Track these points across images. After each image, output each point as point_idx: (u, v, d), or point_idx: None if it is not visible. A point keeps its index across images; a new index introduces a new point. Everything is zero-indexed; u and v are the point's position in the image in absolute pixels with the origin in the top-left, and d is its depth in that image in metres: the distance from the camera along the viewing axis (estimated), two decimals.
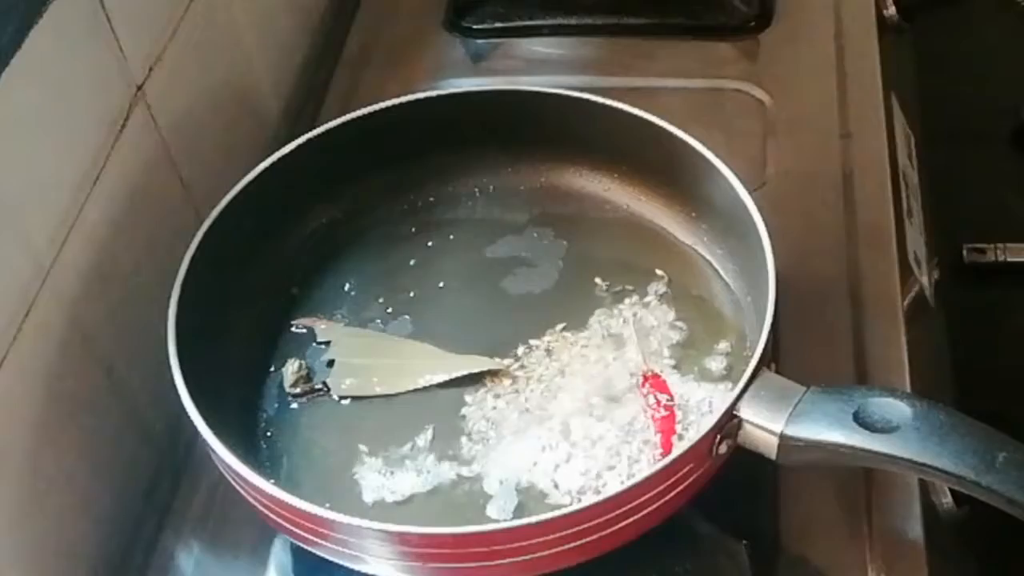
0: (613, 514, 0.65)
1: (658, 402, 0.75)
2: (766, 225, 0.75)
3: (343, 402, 0.78)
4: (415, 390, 0.78)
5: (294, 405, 0.79)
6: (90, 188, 0.76)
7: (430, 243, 0.87)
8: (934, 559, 0.74)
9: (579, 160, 0.88)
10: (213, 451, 0.69)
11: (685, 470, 0.67)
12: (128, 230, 0.80)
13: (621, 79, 1.02)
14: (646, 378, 0.76)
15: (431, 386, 0.78)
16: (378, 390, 0.79)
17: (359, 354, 0.81)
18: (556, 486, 0.72)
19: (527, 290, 0.84)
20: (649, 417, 0.75)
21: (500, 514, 0.72)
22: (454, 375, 0.78)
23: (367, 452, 0.75)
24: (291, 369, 0.79)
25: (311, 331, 0.82)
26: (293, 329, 0.83)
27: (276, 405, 0.79)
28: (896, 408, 0.66)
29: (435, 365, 0.79)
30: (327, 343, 0.81)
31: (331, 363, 0.80)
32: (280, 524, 0.70)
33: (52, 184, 0.74)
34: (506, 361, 0.79)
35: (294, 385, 0.79)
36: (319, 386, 0.79)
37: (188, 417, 0.69)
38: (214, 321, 0.78)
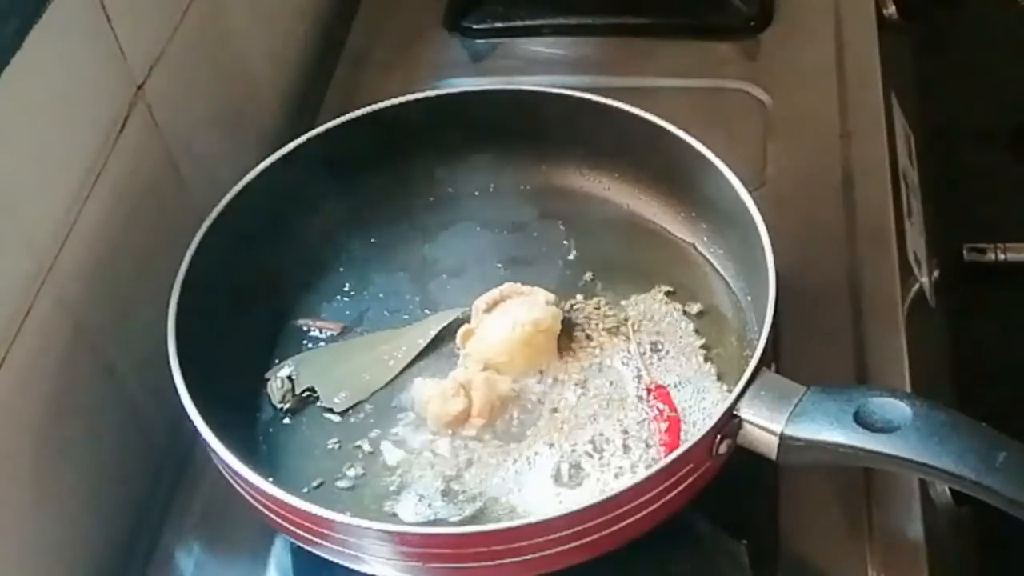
0: (613, 514, 0.65)
1: (660, 412, 0.75)
2: (766, 225, 0.75)
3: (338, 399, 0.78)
4: (409, 382, 0.79)
5: (286, 421, 0.78)
6: (90, 188, 0.76)
7: (430, 243, 0.87)
8: (934, 559, 0.74)
9: (579, 160, 0.88)
10: (213, 451, 0.69)
11: (685, 470, 0.67)
12: (128, 230, 0.80)
13: (621, 79, 1.02)
14: (649, 390, 0.76)
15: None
16: (371, 388, 0.79)
17: (333, 366, 0.80)
18: (557, 486, 0.72)
19: None
20: (652, 419, 0.75)
21: (500, 514, 0.72)
22: (428, 340, 0.79)
23: (366, 450, 0.75)
24: (274, 387, 0.79)
25: (311, 331, 0.82)
26: (293, 329, 0.83)
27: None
28: (896, 408, 0.66)
29: (404, 342, 0.80)
30: (291, 377, 0.80)
31: (312, 390, 0.79)
32: (280, 524, 0.70)
33: (52, 184, 0.74)
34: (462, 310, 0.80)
35: (282, 401, 0.78)
36: (306, 394, 0.79)
37: (188, 417, 0.69)
38: (214, 321, 0.78)
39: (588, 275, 0.83)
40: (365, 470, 0.75)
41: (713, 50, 1.06)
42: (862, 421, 0.66)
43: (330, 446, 0.76)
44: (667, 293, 0.82)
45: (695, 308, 0.81)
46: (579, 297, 0.82)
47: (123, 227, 0.80)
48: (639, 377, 0.77)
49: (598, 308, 0.82)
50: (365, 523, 0.66)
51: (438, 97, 0.87)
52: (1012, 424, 0.65)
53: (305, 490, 0.73)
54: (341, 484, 0.74)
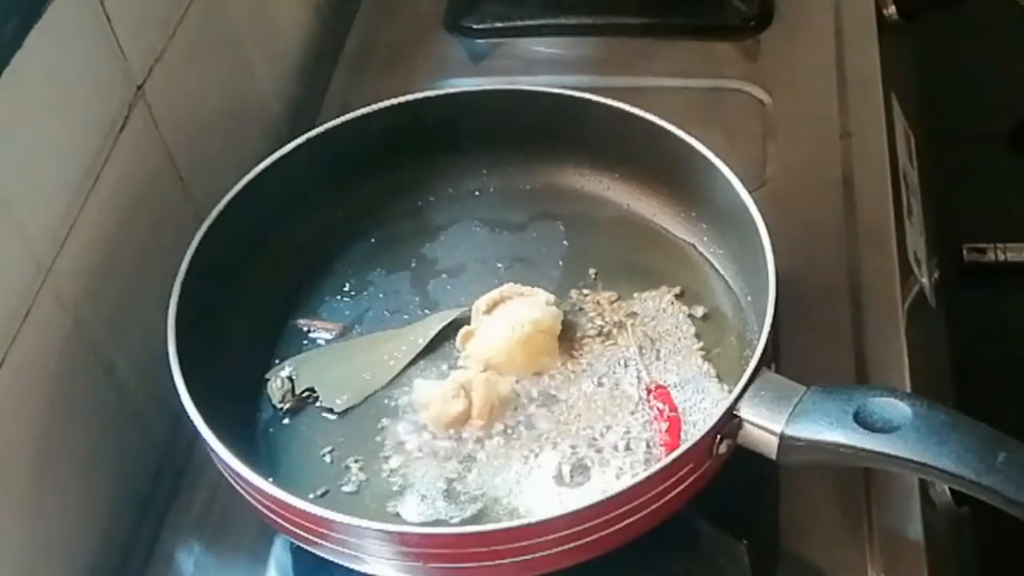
0: (613, 514, 0.65)
1: (661, 412, 0.75)
2: (766, 225, 0.75)
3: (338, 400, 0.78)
4: (409, 383, 0.78)
5: (286, 421, 0.78)
6: (90, 188, 0.76)
7: (430, 243, 0.87)
8: (934, 559, 0.74)
9: (579, 160, 0.88)
10: (213, 451, 0.69)
11: (685, 470, 0.67)
12: (128, 230, 0.80)
13: (621, 79, 1.02)
14: (650, 390, 0.76)
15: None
16: (371, 388, 0.79)
17: (333, 367, 0.80)
18: (559, 486, 0.72)
19: None
20: (652, 418, 0.75)
21: (502, 514, 0.72)
22: (428, 340, 0.79)
23: (367, 451, 0.75)
24: (274, 387, 0.79)
25: (311, 331, 0.82)
26: (293, 329, 0.83)
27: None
28: (896, 408, 0.66)
29: (404, 342, 0.80)
30: (291, 377, 0.80)
31: (312, 390, 0.79)
32: (280, 524, 0.70)
33: (52, 184, 0.74)
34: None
35: (282, 401, 0.78)
36: (306, 394, 0.79)
37: (188, 417, 0.69)
38: (214, 321, 0.78)
39: (592, 271, 0.83)
40: (366, 471, 0.74)
41: (713, 50, 1.06)
42: (862, 421, 0.66)
43: (330, 447, 0.76)
44: (665, 293, 0.82)
45: (698, 309, 0.81)
46: (580, 297, 0.82)
47: (123, 227, 0.80)
48: (639, 377, 0.77)
49: (599, 307, 0.81)
50: (365, 523, 0.66)
51: (438, 97, 0.87)
52: (1012, 424, 0.65)
53: (311, 497, 0.73)
54: (344, 487, 0.74)
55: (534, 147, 0.88)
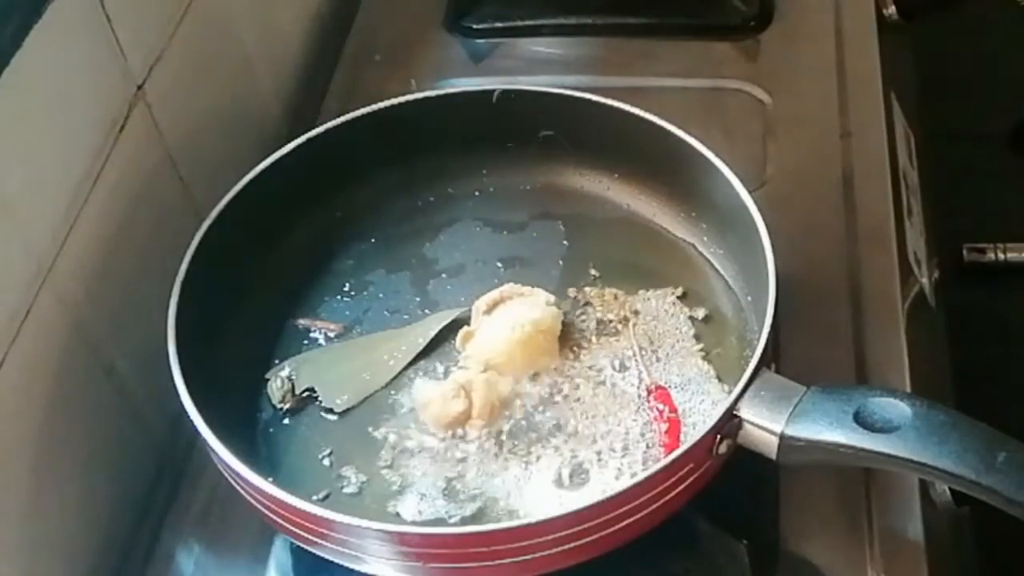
0: (613, 514, 0.65)
1: (660, 413, 0.75)
2: (766, 225, 0.75)
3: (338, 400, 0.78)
4: (409, 383, 0.78)
5: (286, 421, 0.78)
6: (90, 188, 0.76)
7: (430, 243, 0.87)
8: (934, 559, 0.74)
9: (579, 160, 0.88)
10: (213, 451, 0.69)
11: (685, 470, 0.67)
12: (128, 230, 0.80)
13: (621, 79, 1.02)
14: (649, 391, 0.76)
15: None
16: (371, 388, 0.79)
17: (333, 367, 0.80)
18: (558, 486, 0.72)
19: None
20: (652, 419, 0.75)
21: (501, 514, 0.72)
22: (428, 340, 0.79)
23: (366, 451, 0.75)
24: (274, 387, 0.79)
25: (311, 331, 0.82)
26: (293, 329, 0.83)
27: None
28: (896, 408, 0.66)
29: (404, 342, 0.80)
30: (291, 377, 0.80)
31: (312, 390, 0.79)
32: (280, 524, 0.70)
33: (52, 184, 0.74)
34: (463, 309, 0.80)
35: (282, 401, 0.78)
36: (306, 394, 0.79)
37: (188, 417, 0.69)
38: (214, 321, 0.78)
39: (592, 271, 0.83)
40: (366, 471, 0.74)
41: (713, 50, 1.06)
42: (862, 421, 0.66)
43: (330, 447, 0.76)
44: (666, 293, 0.82)
45: (699, 311, 0.80)
46: (580, 294, 0.82)
47: (123, 227, 0.80)
48: (639, 378, 0.77)
49: (603, 302, 0.81)
50: (365, 523, 0.66)
51: (438, 97, 0.87)
52: (1012, 424, 0.65)
53: (313, 500, 0.72)
54: (344, 487, 0.74)
55: (534, 147, 0.88)
